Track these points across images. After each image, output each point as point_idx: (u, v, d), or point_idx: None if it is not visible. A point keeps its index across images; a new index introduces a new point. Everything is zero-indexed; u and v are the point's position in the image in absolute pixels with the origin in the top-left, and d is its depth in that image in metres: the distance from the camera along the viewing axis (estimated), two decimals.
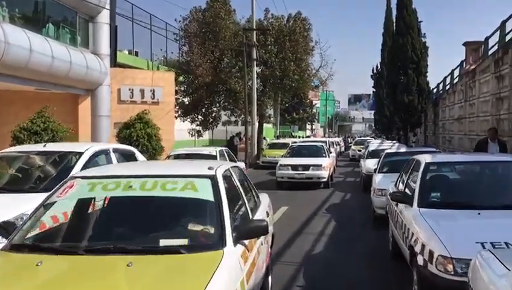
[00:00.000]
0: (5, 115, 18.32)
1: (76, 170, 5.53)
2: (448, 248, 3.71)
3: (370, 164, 14.65)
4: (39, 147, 6.56)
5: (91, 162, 6.20)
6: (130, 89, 22.08)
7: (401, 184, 6.55)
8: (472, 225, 4.27)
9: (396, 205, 5.72)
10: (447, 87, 24.37)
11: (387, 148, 14.78)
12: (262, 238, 4.09)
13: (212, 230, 3.36)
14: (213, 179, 3.70)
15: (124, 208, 3.74)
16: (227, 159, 12.42)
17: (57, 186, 3.73)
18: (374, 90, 46.12)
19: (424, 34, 26.91)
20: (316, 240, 8.12)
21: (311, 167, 15.34)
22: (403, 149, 11.71)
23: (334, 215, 10.51)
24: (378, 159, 14.58)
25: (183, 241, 3.21)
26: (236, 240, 3.30)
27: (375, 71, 44.72)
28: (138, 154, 7.79)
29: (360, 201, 12.81)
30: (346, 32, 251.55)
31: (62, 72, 16.68)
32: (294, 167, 15.52)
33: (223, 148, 12.92)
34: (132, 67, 25.03)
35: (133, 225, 3.49)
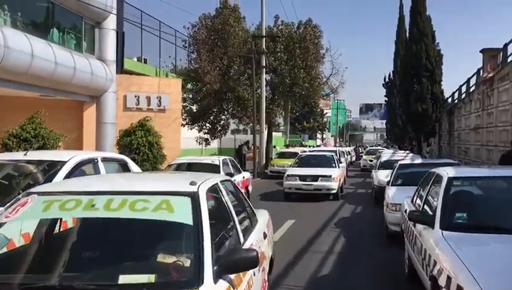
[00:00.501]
0: (7, 121, 17.91)
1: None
2: (482, 285, 3.01)
3: (382, 175, 13.91)
4: (19, 155, 5.97)
5: (75, 173, 5.60)
6: (136, 96, 21.62)
7: (418, 200, 5.85)
8: (509, 255, 3.55)
9: (414, 224, 5.02)
10: (463, 96, 23.54)
11: (400, 159, 14.04)
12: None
13: (187, 262, 2.69)
14: (194, 197, 3.04)
15: (82, 232, 3.09)
16: (231, 168, 11.80)
17: (9, 203, 3.11)
18: (386, 99, 45.28)
19: (438, 42, 26.19)
20: (323, 259, 7.41)
21: (320, 178, 14.63)
22: (418, 160, 10.97)
23: (344, 231, 9.78)
24: (391, 171, 13.91)
25: (149, 278, 2.55)
26: (219, 276, 2.64)
27: (387, 80, 43.93)
28: (131, 164, 7.18)
29: (372, 215, 12.07)
30: (358, 41, 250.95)
31: (65, 78, 16.24)
32: (303, 178, 14.82)
33: (227, 157, 12.31)
34: (140, 75, 24.60)
35: (90, 255, 2.85)
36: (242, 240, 3.53)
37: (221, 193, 3.65)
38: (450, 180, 4.79)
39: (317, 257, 7.54)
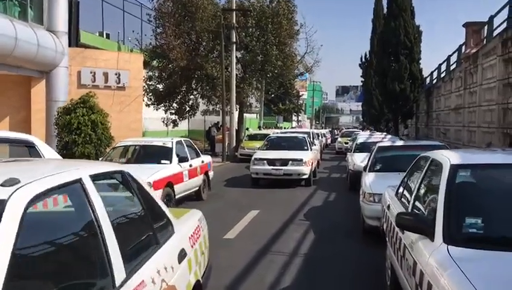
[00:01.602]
0: None
1: None
2: None
3: (358, 158, 12.63)
4: None
5: None
6: (91, 72, 19.70)
7: (406, 193, 4.45)
8: None
9: (403, 231, 3.61)
10: (443, 74, 22.41)
11: (378, 141, 12.75)
12: None
13: None
14: None
15: None
16: (187, 152, 10.27)
17: None
18: (363, 80, 44.15)
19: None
20: (285, 264, 5.99)
21: (290, 162, 13.23)
22: (400, 142, 9.65)
23: (314, 224, 8.40)
24: (368, 154, 12.62)
25: None
26: None
27: (363, 60, 42.77)
28: (41, 146, 5.57)
29: (346, 204, 10.74)
30: (332, 21, 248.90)
31: (5, 50, 14.28)
32: (271, 162, 13.40)
33: (183, 138, 10.75)
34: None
35: None
36: (119, 277, 2.03)
37: (87, 197, 2.09)
38: (454, 169, 3.36)
39: (278, 261, 6.13)
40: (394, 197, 4.75)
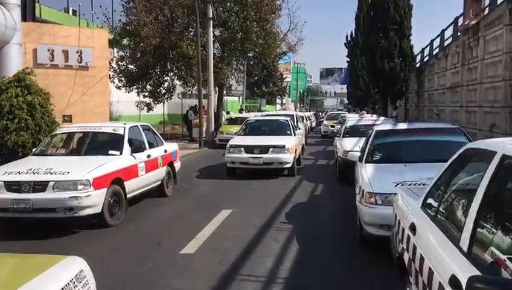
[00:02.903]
0: None
1: None
2: None
3: (349, 144, 10.98)
4: None
5: None
6: (49, 50, 17.52)
7: (451, 209, 2.74)
8: None
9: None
10: (436, 51, 20.78)
11: (371, 124, 11.12)
12: None
13: None
14: None
15: None
16: (145, 140, 8.47)
17: None
18: (348, 60, 42.45)
19: None
20: None
21: (270, 149, 11.52)
22: (402, 125, 7.94)
23: (298, 230, 6.72)
24: (358, 139, 10.95)
25: None
26: None
27: (349, 39, 41.03)
28: None
29: (336, 199, 9.12)
30: (318, 3, 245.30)
31: None
32: (249, 149, 11.66)
33: (140, 123, 8.91)
34: None
35: None
36: None
37: None
38: None
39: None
40: (422, 212, 3.03)
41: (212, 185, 10.97)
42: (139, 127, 8.69)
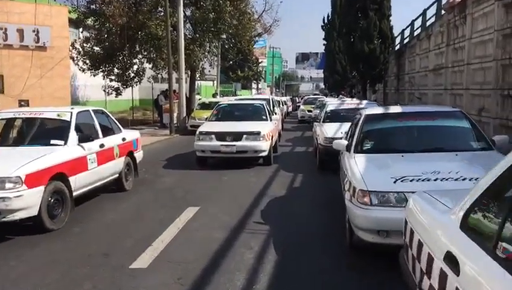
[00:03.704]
0: None
1: None
2: None
3: (330, 130, 10.04)
4: None
5: None
6: (2, 28, 16.08)
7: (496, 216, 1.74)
8: None
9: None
10: (417, 32, 19.92)
11: (354, 108, 10.18)
12: None
13: None
14: None
15: None
16: (98, 127, 7.29)
17: None
18: (325, 42, 41.50)
19: None
20: None
21: (244, 136, 10.44)
22: (396, 109, 6.90)
23: (275, 232, 5.70)
24: (341, 124, 10.00)
25: None
26: None
27: (325, 21, 40.02)
28: None
29: (317, 191, 8.16)
30: None
31: None
32: (221, 136, 10.57)
33: (92, 108, 7.67)
34: None
35: None
36: None
37: None
38: None
39: None
40: (467, 238, 2.01)
41: (180, 176, 9.85)
42: (91, 112, 7.47)
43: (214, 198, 7.68)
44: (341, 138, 7.55)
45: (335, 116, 11.12)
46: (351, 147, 5.65)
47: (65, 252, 5.08)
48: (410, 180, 4.32)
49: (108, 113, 8.24)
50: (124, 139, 8.13)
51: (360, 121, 5.93)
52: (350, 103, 13.03)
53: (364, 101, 13.43)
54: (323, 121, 11.16)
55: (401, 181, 4.33)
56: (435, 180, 4.30)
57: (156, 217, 6.40)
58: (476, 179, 4.28)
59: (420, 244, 2.47)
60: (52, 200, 5.75)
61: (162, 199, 7.73)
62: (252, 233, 5.62)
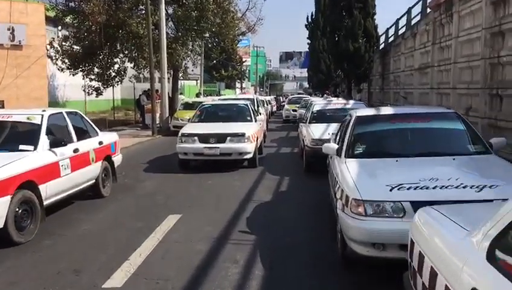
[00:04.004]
0: None
1: None
2: None
3: (317, 131, 9.73)
4: None
5: None
6: None
7: None
8: None
9: None
10: (402, 30, 19.77)
11: (342, 108, 9.89)
12: None
13: None
14: None
15: None
16: (71, 131, 6.85)
17: None
18: (309, 42, 41.25)
19: None
20: None
21: (228, 138, 10.06)
22: (388, 110, 6.60)
23: (261, 242, 5.33)
24: (328, 125, 9.72)
25: None
26: None
27: (309, 20, 39.74)
28: None
29: (305, 195, 7.82)
30: None
31: None
32: (204, 138, 10.17)
33: (66, 110, 7.22)
34: None
35: None
36: None
37: None
38: None
39: None
40: (497, 273, 1.68)
41: (161, 180, 9.44)
42: (64, 114, 7.01)
43: (197, 204, 7.29)
44: (329, 140, 7.24)
45: (322, 117, 10.81)
46: (342, 151, 5.31)
47: (32, 269, 4.64)
48: (408, 188, 4.01)
49: (83, 115, 7.79)
50: (100, 142, 7.68)
51: (351, 123, 5.61)
52: (337, 102, 12.73)
53: (352, 101, 13.16)
54: (310, 122, 10.84)
55: (398, 189, 4.01)
56: (434, 188, 3.99)
57: (135, 227, 5.99)
58: (477, 187, 4.00)
59: (433, 274, 2.14)
60: (20, 211, 5.30)
61: (141, 206, 7.31)
62: (237, 244, 5.25)
